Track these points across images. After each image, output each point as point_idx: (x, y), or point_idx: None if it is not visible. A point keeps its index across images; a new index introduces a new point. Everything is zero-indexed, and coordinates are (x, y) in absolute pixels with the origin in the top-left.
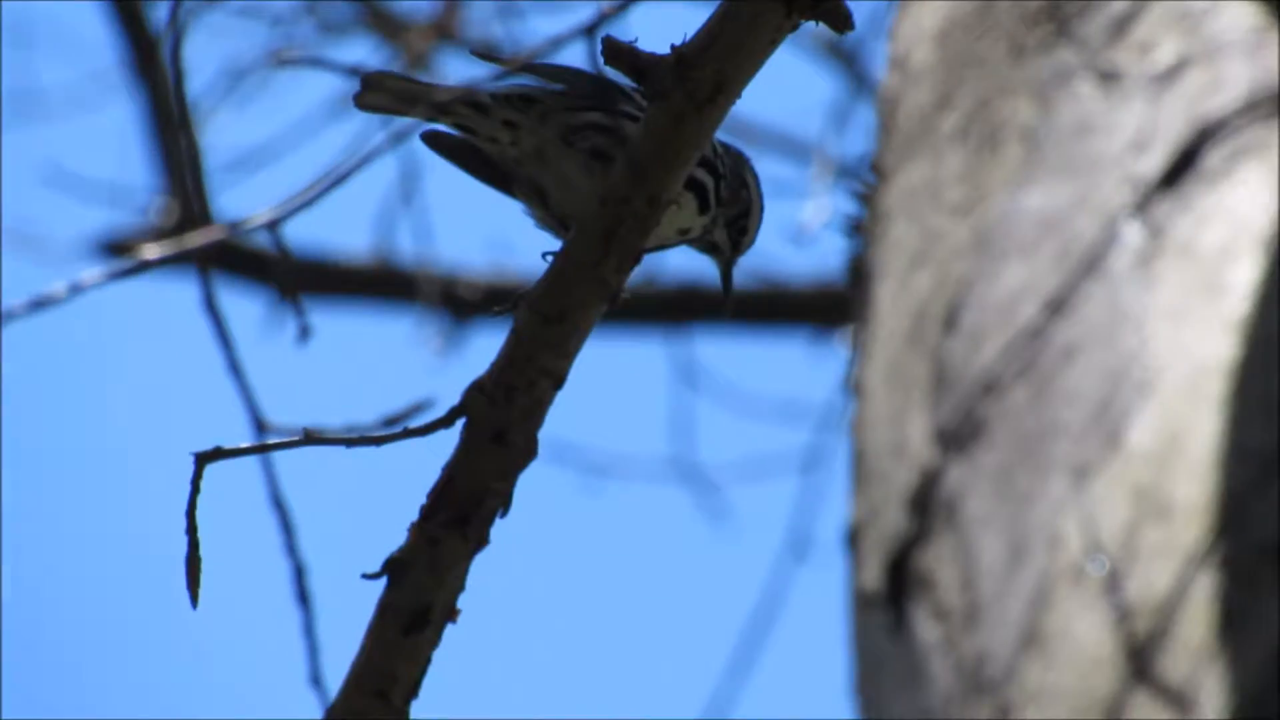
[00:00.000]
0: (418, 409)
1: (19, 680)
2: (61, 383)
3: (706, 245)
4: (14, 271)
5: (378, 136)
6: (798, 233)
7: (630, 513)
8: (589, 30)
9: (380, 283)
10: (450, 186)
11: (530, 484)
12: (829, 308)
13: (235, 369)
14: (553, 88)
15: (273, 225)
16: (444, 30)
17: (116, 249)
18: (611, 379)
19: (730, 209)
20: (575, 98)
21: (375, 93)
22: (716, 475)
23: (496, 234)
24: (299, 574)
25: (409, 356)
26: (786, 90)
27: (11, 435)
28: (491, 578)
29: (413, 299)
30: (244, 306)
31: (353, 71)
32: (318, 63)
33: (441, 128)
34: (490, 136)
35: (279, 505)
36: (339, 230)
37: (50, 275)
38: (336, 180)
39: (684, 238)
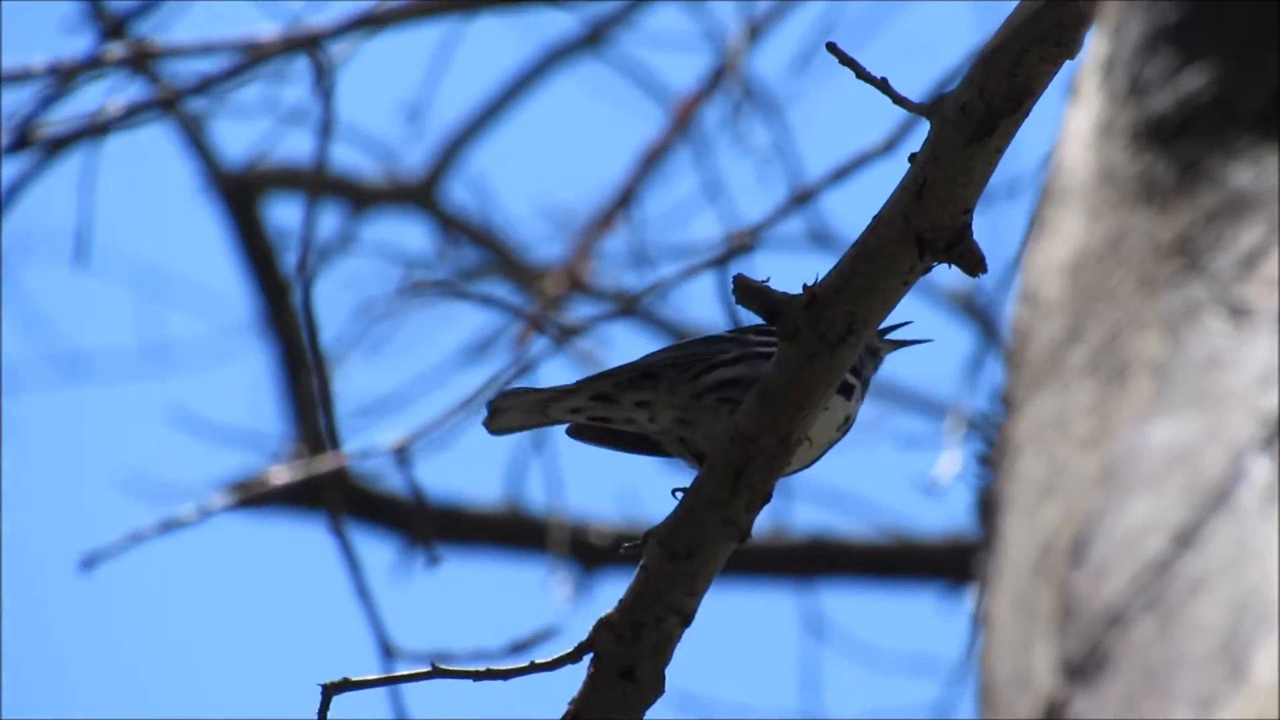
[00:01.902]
0: (543, 636)
1: None
2: (187, 612)
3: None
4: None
5: (505, 371)
6: (929, 486)
7: None
8: (718, 262)
9: (511, 530)
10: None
11: None
12: (959, 562)
13: (363, 593)
14: (666, 362)
15: (400, 452)
16: (574, 276)
17: (246, 491)
18: (741, 630)
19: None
20: (691, 364)
21: (504, 414)
22: None
23: (626, 484)
24: None
25: (539, 604)
26: (919, 346)
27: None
28: None
29: (543, 547)
30: (378, 551)
31: (483, 396)
32: (449, 289)
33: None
34: (627, 419)
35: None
36: (472, 479)
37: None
38: (460, 411)
39: (847, 427)
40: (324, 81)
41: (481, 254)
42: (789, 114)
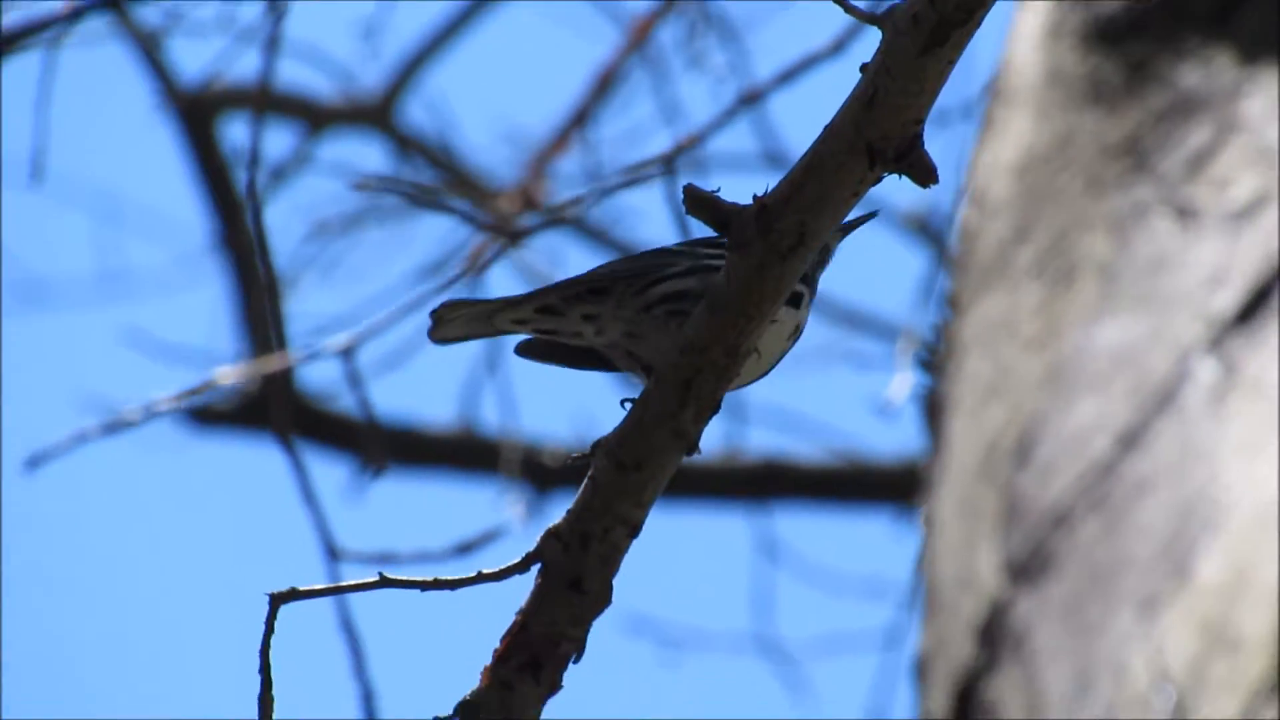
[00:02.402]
0: (489, 537)
1: None
2: (137, 525)
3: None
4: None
5: (453, 274)
6: (883, 408)
7: (709, 686)
8: (667, 160)
9: (465, 451)
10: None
11: (609, 653)
12: (913, 485)
13: (308, 496)
14: (614, 275)
15: (345, 353)
16: (529, 196)
17: (200, 413)
18: (694, 552)
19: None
20: (639, 277)
21: (449, 324)
22: (796, 650)
23: (580, 405)
24: (367, 698)
25: (492, 525)
26: (874, 268)
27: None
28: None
29: (497, 468)
30: (331, 472)
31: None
32: (401, 191)
33: (525, 336)
34: (574, 333)
35: (349, 631)
36: (426, 400)
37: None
38: (406, 311)
39: (796, 335)
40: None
41: (438, 175)
42: (746, 34)
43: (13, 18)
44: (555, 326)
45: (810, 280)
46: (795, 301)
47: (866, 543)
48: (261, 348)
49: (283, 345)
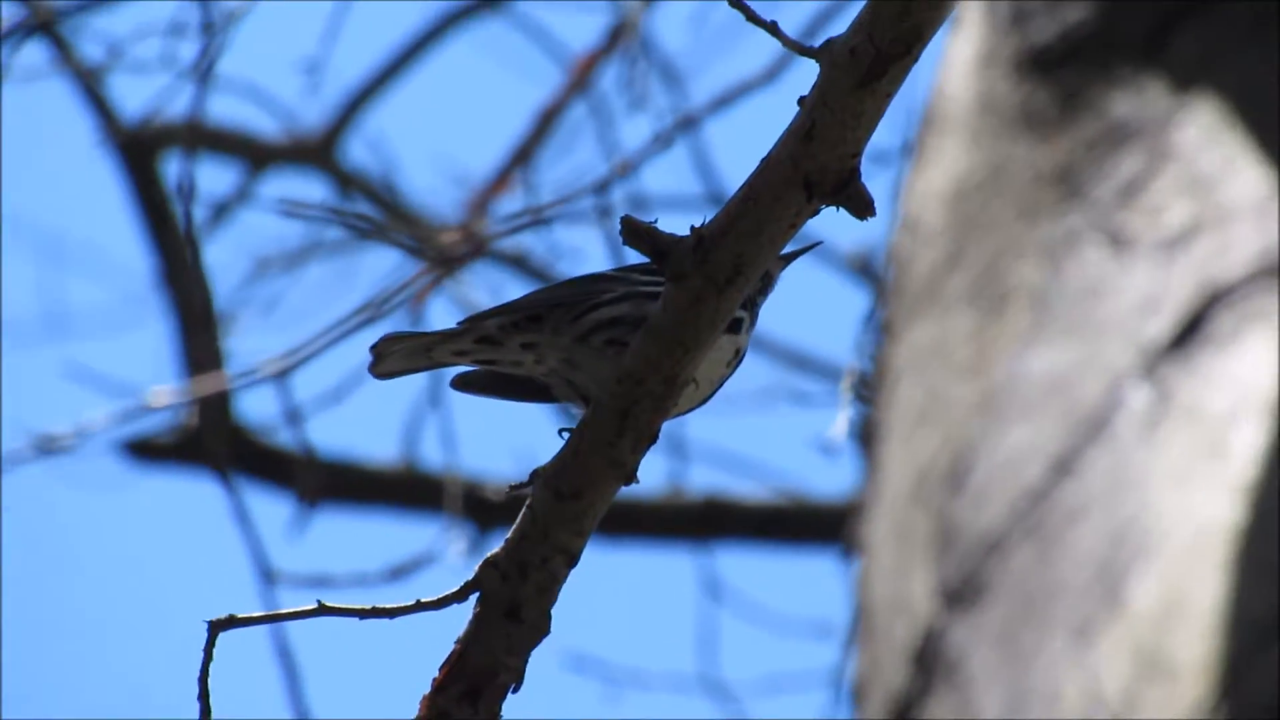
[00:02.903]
0: (421, 562)
1: None
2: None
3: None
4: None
5: (390, 304)
6: (825, 446)
7: None
8: (600, 188)
9: (406, 488)
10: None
11: (552, 690)
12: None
13: (242, 519)
14: (550, 301)
15: (280, 375)
16: (469, 234)
17: (138, 447)
18: (636, 591)
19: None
20: (573, 307)
21: (389, 358)
22: (740, 690)
23: (522, 442)
24: (302, 713)
25: (424, 551)
26: (816, 308)
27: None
28: None
29: (439, 505)
30: (272, 510)
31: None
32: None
33: (464, 368)
34: (513, 361)
35: (285, 656)
36: (367, 437)
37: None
38: (340, 335)
39: (736, 361)
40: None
41: (379, 213)
42: (687, 76)
43: None
44: (494, 356)
45: (751, 306)
46: (735, 327)
47: (810, 582)
48: (200, 381)
49: (219, 372)
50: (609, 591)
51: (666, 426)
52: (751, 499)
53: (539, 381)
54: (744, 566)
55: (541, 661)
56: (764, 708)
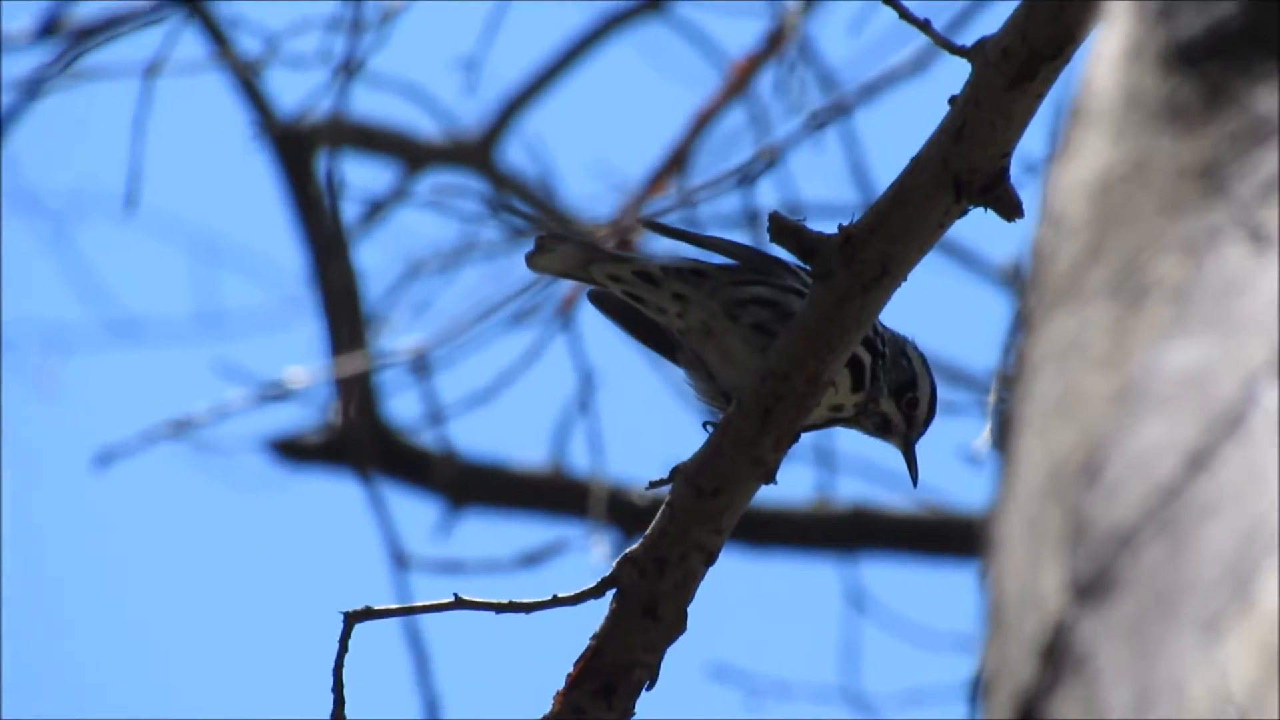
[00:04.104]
0: (556, 548)
1: None
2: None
3: (878, 423)
4: (192, 467)
5: (529, 290)
6: (971, 456)
7: None
8: (747, 177)
9: (553, 492)
10: (626, 400)
11: (694, 699)
12: None
13: (381, 511)
14: (721, 262)
15: (420, 356)
16: (624, 236)
17: (285, 446)
18: (781, 601)
19: (892, 382)
20: (742, 272)
21: (549, 254)
22: (881, 704)
23: (670, 450)
24: (432, 706)
25: (578, 566)
26: (965, 319)
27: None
28: None
29: (584, 510)
30: (419, 513)
31: (530, 229)
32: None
33: (611, 290)
34: (659, 307)
35: (414, 639)
36: (516, 441)
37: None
38: (484, 318)
39: (836, 415)
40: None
41: (536, 214)
42: (845, 79)
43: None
44: (645, 295)
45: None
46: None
47: (955, 595)
48: (350, 386)
49: (359, 353)
50: (754, 601)
51: (814, 438)
52: (898, 510)
53: (671, 338)
54: (889, 578)
55: (685, 670)
56: None
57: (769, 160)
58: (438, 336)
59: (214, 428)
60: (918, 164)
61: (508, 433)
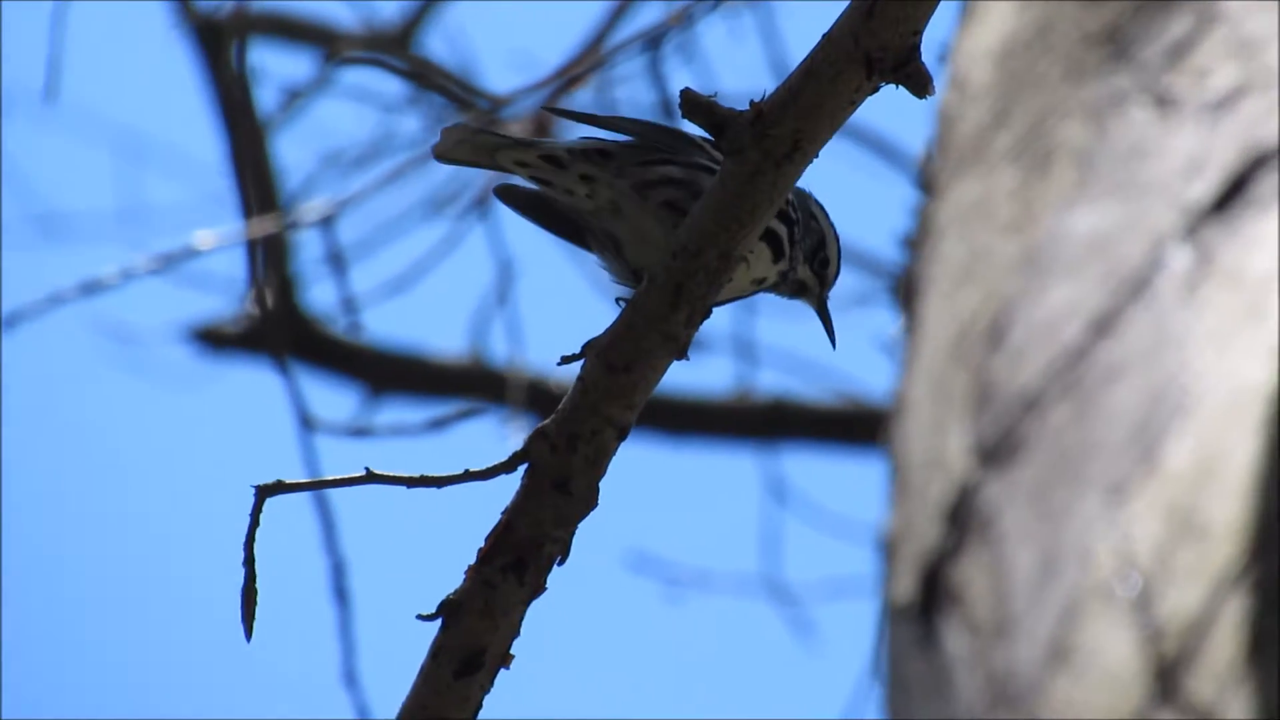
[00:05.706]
0: (465, 413)
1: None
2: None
3: (794, 288)
4: (106, 355)
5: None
6: (887, 346)
7: (713, 627)
8: (651, 41)
9: (472, 381)
10: (545, 289)
11: (614, 590)
12: None
13: (290, 383)
14: (627, 140)
15: (326, 220)
16: (542, 126)
17: (207, 335)
18: (701, 492)
19: (807, 248)
20: (649, 150)
21: (455, 145)
22: (802, 593)
23: (588, 337)
24: (338, 570)
25: (494, 454)
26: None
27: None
28: (546, 625)
29: (503, 399)
30: (336, 401)
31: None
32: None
33: (516, 180)
34: (566, 189)
35: (321, 505)
36: (433, 330)
37: (139, 359)
38: (390, 179)
39: (760, 287)
40: None
41: (453, 105)
42: None
43: None
44: (552, 178)
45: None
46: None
47: (873, 486)
48: (270, 271)
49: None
50: (673, 491)
51: (736, 328)
52: (816, 401)
53: (580, 220)
54: (809, 469)
55: (605, 561)
56: (826, 611)
57: (678, 24)
58: (346, 198)
59: (121, 290)
60: (829, 41)
61: (428, 323)
